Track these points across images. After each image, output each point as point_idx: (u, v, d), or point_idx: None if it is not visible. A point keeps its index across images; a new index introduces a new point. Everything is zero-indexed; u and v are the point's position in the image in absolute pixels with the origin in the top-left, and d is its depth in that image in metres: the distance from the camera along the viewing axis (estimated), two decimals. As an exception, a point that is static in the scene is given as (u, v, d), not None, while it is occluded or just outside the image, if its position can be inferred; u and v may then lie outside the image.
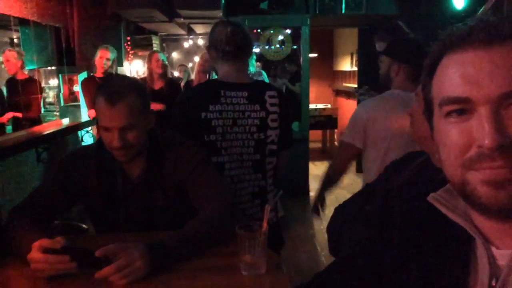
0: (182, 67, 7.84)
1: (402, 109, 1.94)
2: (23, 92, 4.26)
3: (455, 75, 0.62)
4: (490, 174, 0.58)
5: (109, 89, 1.45)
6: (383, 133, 2.01)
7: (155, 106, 3.88)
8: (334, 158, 2.27)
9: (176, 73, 7.80)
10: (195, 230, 1.37)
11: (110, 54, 4.32)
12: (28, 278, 1.23)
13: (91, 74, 4.52)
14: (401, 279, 0.72)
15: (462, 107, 0.61)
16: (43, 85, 5.46)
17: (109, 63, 4.31)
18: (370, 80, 5.77)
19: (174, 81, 4.74)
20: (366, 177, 2.11)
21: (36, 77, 4.82)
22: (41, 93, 4.63)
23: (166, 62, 4.46)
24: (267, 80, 4.12)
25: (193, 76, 4.72)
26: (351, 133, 2.09)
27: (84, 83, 4.51)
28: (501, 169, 0.57)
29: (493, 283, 0.62)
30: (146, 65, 4.49)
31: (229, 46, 1.88)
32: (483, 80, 0.59)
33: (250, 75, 3.85)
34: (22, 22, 4.69)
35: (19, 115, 4.30)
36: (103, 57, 4.28)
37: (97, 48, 4.36)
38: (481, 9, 3.16)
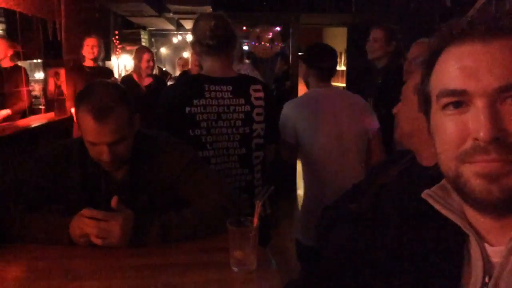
0: (181, 60, 7.39)
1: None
2: (8, 80, 4.10)
3: (454, 67, 0.62)
4: (484, 167, 0.58)
5: (94, 102, 1.34)
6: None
7: None
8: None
9: (165, 68, 7.57)
10: (190, 216, 1.39)
11: (97, 41, 4.18)
12: (11, 272, 1.21)
13: (80, 63, 4.29)
14: (394, 275, 0.72)
15: (459, 100, 0.61)
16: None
17: (97, 49, 4.17)
18: (359, 79, 5.81)
19: (161, 79, 4.89)
20: None
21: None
22: (28, 84, 4.48)
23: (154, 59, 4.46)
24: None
25: (189, 66, 4.79)
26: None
27: (70, 72, 4.28)
28: (495, 162, 0.58)
29: (487, 280, 0.62)
30: (134, 62, 4.39)
31: (212, 41, 1.86)
32: (480, 73, 0.59)
33: (239, 68, 3.82)
34: (8, 14, 4.60)
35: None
36: (89, 45, 4.13)
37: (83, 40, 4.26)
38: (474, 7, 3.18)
